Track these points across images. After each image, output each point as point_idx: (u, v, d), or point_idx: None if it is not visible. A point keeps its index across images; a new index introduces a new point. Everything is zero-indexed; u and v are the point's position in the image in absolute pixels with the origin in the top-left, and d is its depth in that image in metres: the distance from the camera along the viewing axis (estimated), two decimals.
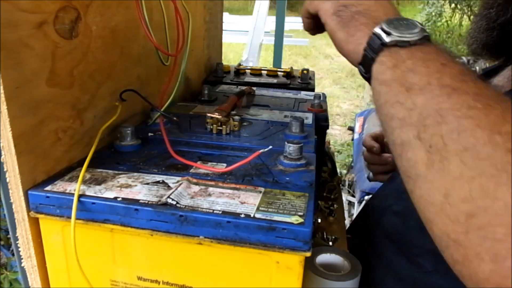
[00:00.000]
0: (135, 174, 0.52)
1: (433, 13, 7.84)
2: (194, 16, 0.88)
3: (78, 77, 0.54)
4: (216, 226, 0.43)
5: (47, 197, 0.47)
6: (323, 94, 0.98)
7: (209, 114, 0.69)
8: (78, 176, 0.50)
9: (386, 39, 0.38)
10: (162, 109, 0.68)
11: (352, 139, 2.37)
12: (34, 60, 0.46)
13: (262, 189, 0.49)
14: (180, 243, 0.46)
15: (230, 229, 0.43)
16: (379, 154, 0.90)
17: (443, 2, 7.72)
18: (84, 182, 0.49)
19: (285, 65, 1.76)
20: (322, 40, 8.55)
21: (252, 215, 0.44)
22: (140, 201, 0.46)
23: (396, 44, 0.38)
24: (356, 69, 0.44)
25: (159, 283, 0.49)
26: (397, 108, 0.36)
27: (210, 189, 0.49)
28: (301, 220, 0.43)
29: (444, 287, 0.56)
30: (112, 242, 0.48)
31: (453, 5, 7.49)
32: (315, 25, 0.53)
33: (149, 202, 0.46)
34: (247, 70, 1.23)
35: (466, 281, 0.31)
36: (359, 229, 0.81)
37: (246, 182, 0.51)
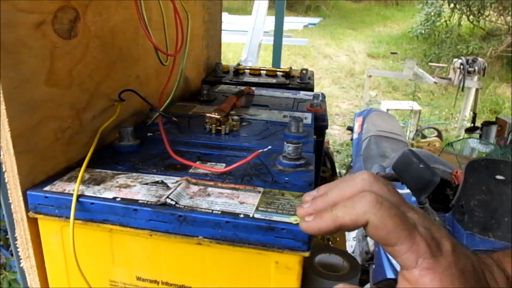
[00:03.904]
0: (134, 174, 0.52)
1: (432, 13, 7.85)
2: (193, 16, 0.88)
3: (77, 77, 0.54)
4: (215, 226, 0.43)
5: (46, 197, 0.47)
6: (322, 94, 0.98)
7: (208, 114, 0.69)
8: (77, 176, 0.49)
9: None
10: (161, 109, 0.68)
11: (351, 139, 2.37)
12: (33, 60, 0.46)
13: (261, 189, 0.49)
14: (179, 243, 0.46)
15: (229, 229, 0.43)
16: None
17: (442, 2, 7.73)
18: (83, 182, 0.49)
19: (284, 65, 1.76)
20: (321, 40, 8.56)
21: (251, 215, 0.44)
22: (139, 201, 0.46)
23: None
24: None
25: (158, 283, 0.49)
26: None
27: (209, 189, 0.49)
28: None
29: None
30: (111, 242, 0.48)
31: (452, 5, 7.50)
32: None
33: (148, 202, 0.46)
34: (246, 70, 1.23)
35: None
36: None
37: (245, 182, 0.51)
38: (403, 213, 0.31)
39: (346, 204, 0.32)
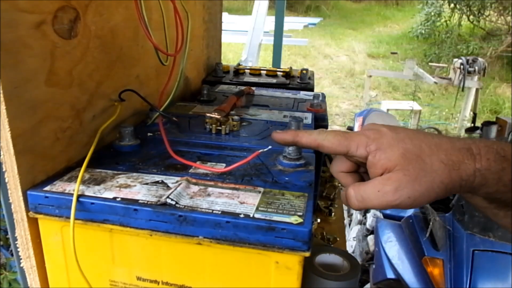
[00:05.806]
0: (134, 174, 0.52)
1: (432, 13, 7.85)
2: (193, 16, 0.88)
3: (77, 77, 0.54)
4: (215, 226, 0.43)
5: (46, 197, 0.47)
6: (322, 94, 0.98)
7: (208, 114, 0.69)
8: (77, 176, 0.49)
9: None
10: (161, 109, 0.68)
11: None
12: (33, 60, 0.46)
13: (262, 189, 0.49)
14: (179, 243, 0.46)
15: (229, 229, 0.43)
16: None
17: (442, 2, 7.73)
18: (83, 182, 0.49)
19: (284, 65, 1.76)
20: (321, 40, 8.56)
21: (251, 215, 0.44)
22: (139, 201, 0.46)
23: None
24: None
25: (158, 283, 0.49)
26: None
27: (210, 189, 0.49)
28: (300, 220, 0.43)
29: None
30: (111, 242, 0.48)
31: (452, 5, 7.50)
32: None
33: (148, 202, 0.46)
34: (246, 70, 1.23)
35: None
36: None
37: (245, 182, 0.51)
38: (343, 132, 0.42)
39: (308, 132, 0.44)
